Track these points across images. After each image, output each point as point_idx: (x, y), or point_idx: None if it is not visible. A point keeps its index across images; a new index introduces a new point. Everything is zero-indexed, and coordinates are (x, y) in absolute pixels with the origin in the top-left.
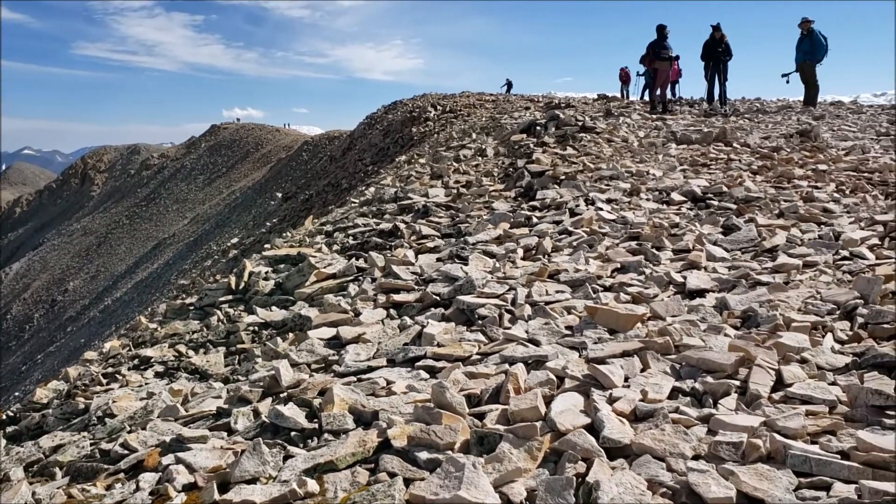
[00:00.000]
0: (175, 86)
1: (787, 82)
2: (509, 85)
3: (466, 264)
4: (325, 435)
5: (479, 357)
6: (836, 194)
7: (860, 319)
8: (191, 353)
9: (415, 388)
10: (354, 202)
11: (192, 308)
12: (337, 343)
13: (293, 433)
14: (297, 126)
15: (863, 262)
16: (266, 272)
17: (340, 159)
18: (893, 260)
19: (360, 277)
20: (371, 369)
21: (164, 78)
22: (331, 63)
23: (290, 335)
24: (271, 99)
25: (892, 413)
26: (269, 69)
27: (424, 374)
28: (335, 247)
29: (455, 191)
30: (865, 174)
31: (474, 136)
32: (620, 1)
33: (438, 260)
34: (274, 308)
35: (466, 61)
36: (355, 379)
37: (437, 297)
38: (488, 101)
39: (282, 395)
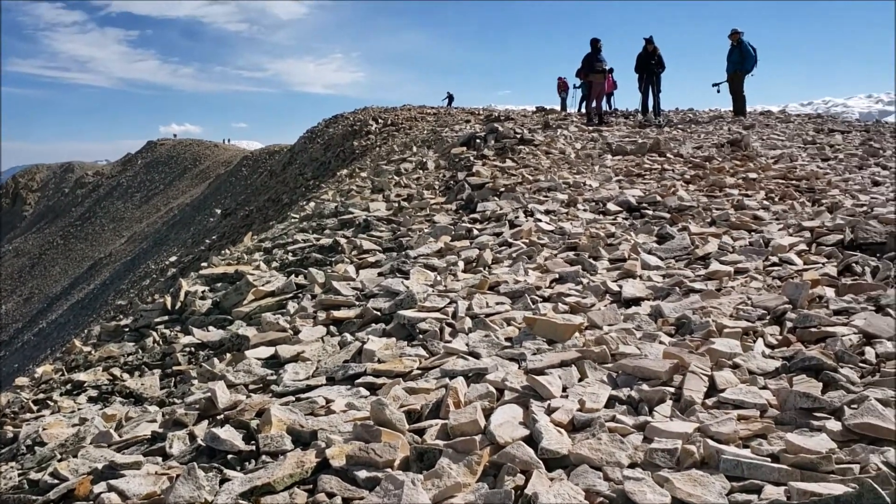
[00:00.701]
0: (110, 102)
1: (718, 91)
2: (450, 98)
3: (408, 278)
4: (263, 457)
5: (419, 372)
6: (765, 202)
7: (789, 324)
8: (125, 376)
9: (354, 406)
10: (294, 218)
11: (126, 330)
12: (275, 362)
13: (230, 456)
14: (237, 141)
15: (791, 268)
16: (203, 291)
17: (281, 174)
18: (820, 265)
19: (300, 294)
20: (310, 388)
21: (99, 94)
22: (270, 77)
23: (228, 355)
24: (210, 114)
25: (820, 415)
26: (206, 84)
27: (364, 392)
28: (274, 264)
29: (396, 204)
30: (793, 182)
31: (415, 149)
32: (556, 1)
33: (380, 275)
34: (211, 328)
35: (408, 74)
36: (294, 398)
37: (378, 313)
38: (430, 115)
39: (218, 418)
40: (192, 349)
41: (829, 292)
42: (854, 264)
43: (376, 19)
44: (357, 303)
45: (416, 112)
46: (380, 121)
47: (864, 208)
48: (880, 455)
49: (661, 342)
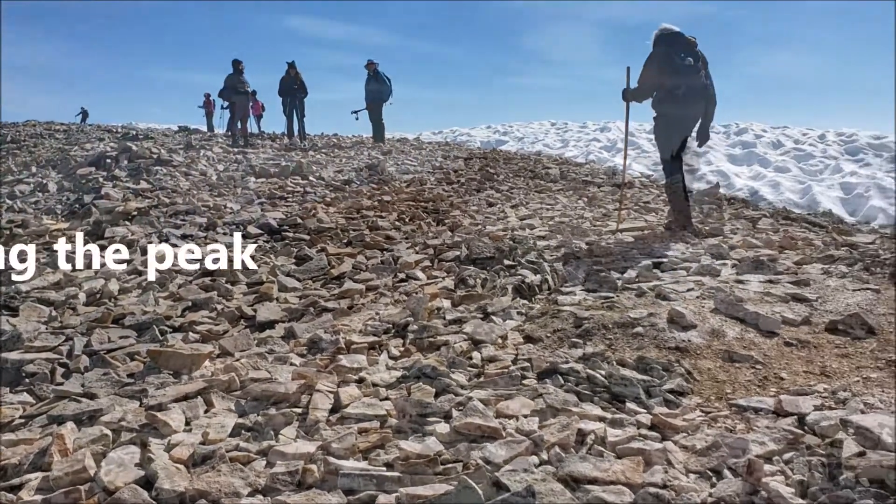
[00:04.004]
0: None
1: (357, 119)
2: (84, 114)
3: (16, 315)
4: None
5: (22, 421)
6: (397, 222)
7: (411, 335)
8: None
9: None
10: None
11: None
12: None
13: None
14: None
15: (416, 283)
16: None
17: None
18: (440, 279)
19: None
20: None
21: None
22: None
23: None
24: None
25: (432, 419)
26: None
27: None
28: None
29: (8, 232)
30: (422, 203)
31: (35, 169)
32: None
33: None
34: None
35: (35, 86)
36: None
37: None
38: (59, 132)
39: None
40: None
41: (447, 303)
42: (468, 277)
43: None
44: None
45: (42, 128)
46: None
47: (479, 227)
48: (479, 451)
49: (292, 363)
